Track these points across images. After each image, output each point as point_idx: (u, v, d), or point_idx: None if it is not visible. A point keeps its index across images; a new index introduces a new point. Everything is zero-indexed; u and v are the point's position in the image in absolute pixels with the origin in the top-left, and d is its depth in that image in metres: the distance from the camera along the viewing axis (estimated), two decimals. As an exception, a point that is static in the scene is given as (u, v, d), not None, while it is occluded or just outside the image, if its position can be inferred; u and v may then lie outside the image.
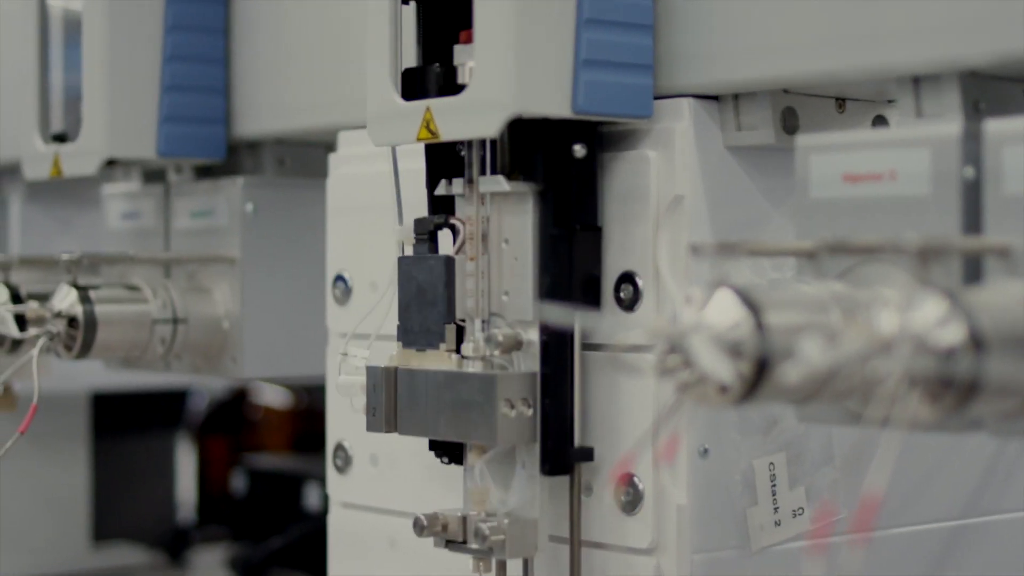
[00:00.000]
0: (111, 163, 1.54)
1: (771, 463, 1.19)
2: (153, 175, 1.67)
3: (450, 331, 1.17)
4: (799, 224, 1.02)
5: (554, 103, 1.10)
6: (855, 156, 1.00)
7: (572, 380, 1.15)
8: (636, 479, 1.15)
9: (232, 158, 1.59)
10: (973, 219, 0.95)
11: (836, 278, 0.97)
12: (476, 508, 1.16)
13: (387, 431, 1.19)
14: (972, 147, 0.95)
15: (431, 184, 1.20)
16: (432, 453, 1.22)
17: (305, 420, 2.60)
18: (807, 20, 1.09)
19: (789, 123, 1.16)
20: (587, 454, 1.16)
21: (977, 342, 0.82)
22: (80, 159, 1.54)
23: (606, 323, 1.10)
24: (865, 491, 0.80)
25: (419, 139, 1.14)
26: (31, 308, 1.49)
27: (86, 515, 2.13)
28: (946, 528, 1.32)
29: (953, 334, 0.82)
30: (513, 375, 1.14)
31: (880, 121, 1.21)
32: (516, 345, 1.15)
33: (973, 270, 0.93)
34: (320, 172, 1.48)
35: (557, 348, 1.15)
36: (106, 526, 2.15)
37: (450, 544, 1.18)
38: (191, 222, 1.60)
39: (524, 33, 1.09)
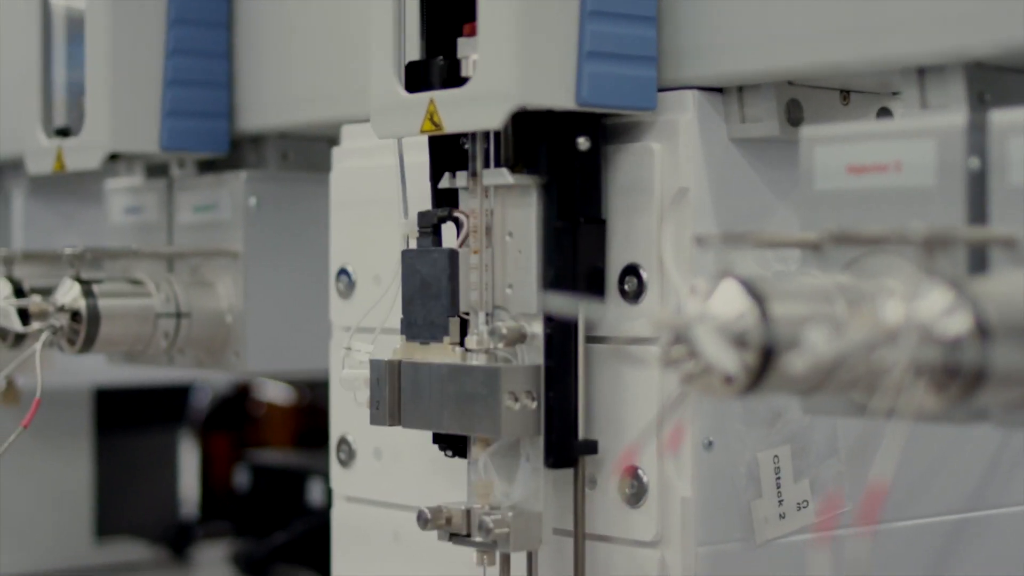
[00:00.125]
0: (114, 157, 1.54)
1: (776, 455, 1.18)
2: (156, 169, 1.67)
3: (454, 324, 1.17)
4: (804, 216, 1.02)
5: (558, 95, 1.10)
6: (860, 147, 0.99)
7: (576, 373, 1.15)
8: (640, 472, 1.15)
9: (235, 152, 1.59)
10: (978, 210, 0.94)
11: (841, 270, 0.97)
12: (480, 501, 1.16)
13: (391, 424, 1.19)
14: (977, 138, 0.95)
15: (435, 177, 1.20)
16: (436, 447, 1.22)
17: (308, 416, 2.60)
18: (811, 11, 1.08)
19: (793, 115, 1.15)
20: (591, 447, 1.16)
21: (983, 331, 0.81)
22: (83, 153, 1.54)
23: (610, 314, 1.09)
24: (871, 482, 0.80)
25: (423, 131, 1.14)
26: (34, 302, 1.48)
27: (89, 511, 2.13)
28: (950, 521, 1.32)
29: (959, 323, 0.82)
30: (517, 368, 1.13)
31: (884, 113, 1.21)
32: (520, 338, 1.15)
33: (978, 261, 0.93)
34: (323, 166, 1.48)
35: (561, 341, 1.14)
36: (109, 522, 2.15)
37: (454, 537, 1.18)
38: (194, 216, 1.60)
39: (528, 25, 1.09)
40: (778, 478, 1.19)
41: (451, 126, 1.13)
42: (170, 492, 2.25)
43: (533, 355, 1.15)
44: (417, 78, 1.17)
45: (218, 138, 1.55)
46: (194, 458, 2.45)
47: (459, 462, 1.22)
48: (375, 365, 1.20)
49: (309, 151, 1.60)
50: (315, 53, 1.48)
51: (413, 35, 1.19)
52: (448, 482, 1.26)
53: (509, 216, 1.16)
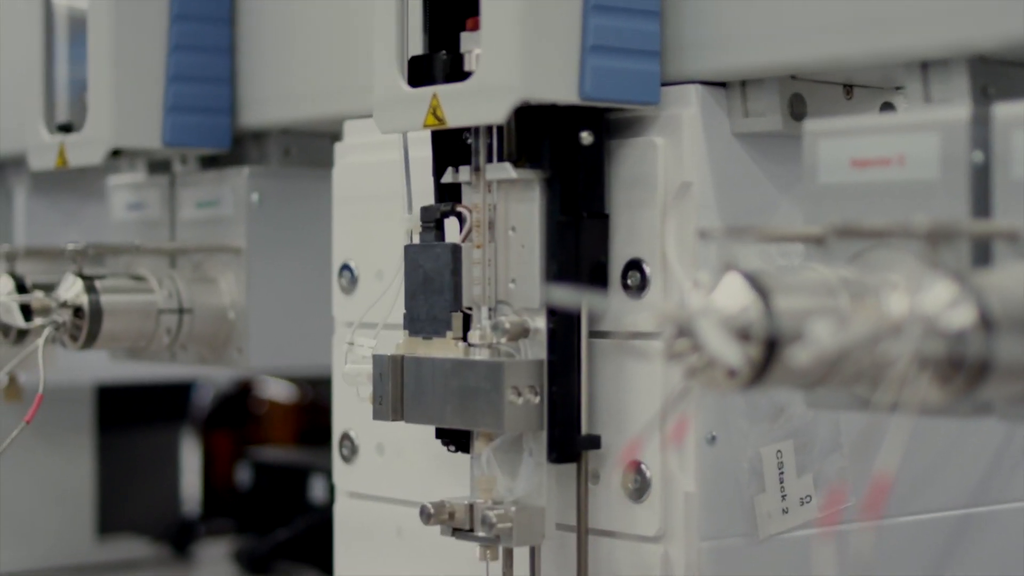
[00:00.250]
0: (116, 153, 1.54)
1: (779, 451, 1.18)
2: (158, 166, 1.67)
3: (457, 319, 1.17)
4: (807, 210, 1.02)
5: (561, 89, 1.10)
6: (864, 141, 0.99)
7: (579, 367, 1.15)
8: (644, 466, 1.15)
9: (237, 148, 1.59)
10: (982, 203, 0.94)
11: (845, 264, 0.96)
12: (483, 496, 1.16)
13: (393, 419, 1.19)
14: (981, 131, 0.95)
15: (438, 172, 1.20)
16: (438, 442, 1.22)
17: (310, 414, 2.60)
18: (814, 6, 1.08)
19: (797, 110, 1.15)
20: (594, 442, 1.16)
21: (987, 324, 0.81)
22: (85, 149, 1.54)
23: (613, 307, 1.09)
24: (875, 474, 0.80)
25: (426, 126, 1.14)
26: (36, 298, 1.48)
27: (91, 508, 2.13)
28: (954, 517, 1.32)
29: (963, 316, 0.82)
30: (520, 362, 1.13)
31: (888, 108, 1.21)
32: (523, 332, 1.15)
33: (982, 254, 0.93)
34: (325, 162, 1.48)
35: (564, 335, 1.14)
36: (111, 519, 2.15)
37: (457, 532, 1.18)
38: (196, 212, 1.60)
39: (531, 19, 1.09)
40: (781, 473, 1.19)
41: (454, 120, 1.13)
42: (172, 489, 2.25)
43: (536, 350, 1.15)
44: (420, 73, 1.17)
45: (220, 134, 1.55)
46: (196, 456, 2.45)
47: (462, 457, 1.22)
48: (378, 360, 1.20)
49: (311, 147, 1.60)
50: (317, 49, 1.48)
51: (416, 30, 1.19)
52: (451, 477, 1.26)
53: (512, 210, 1.16)
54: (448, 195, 1.20)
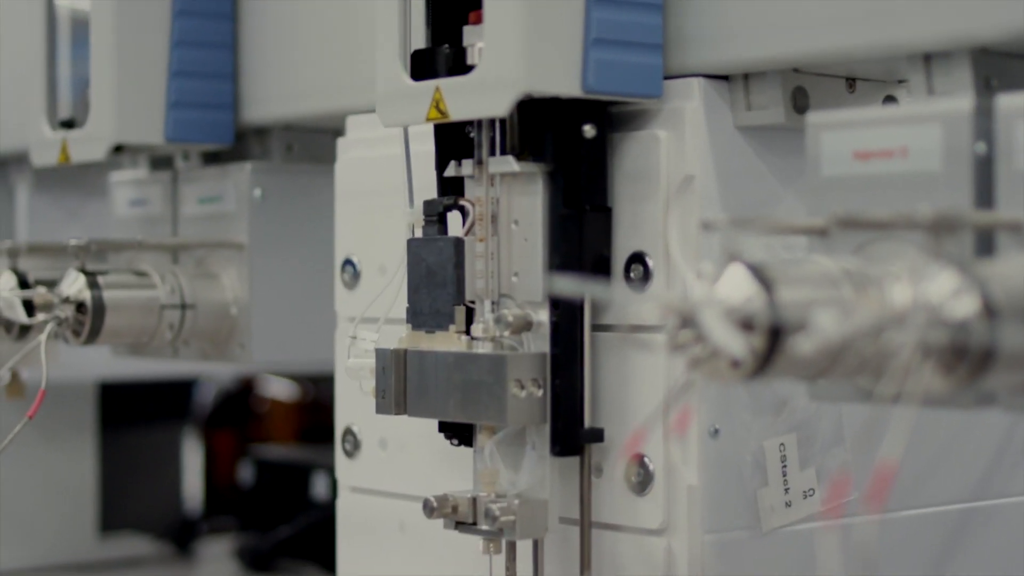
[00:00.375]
0: (119, 149, 1.54)
1: (782, 444, 1.18)
2: (160, 162, 1.67)
3: (460, 312, 1.17)
4: (810, 202, 1.02)
5: (564, 82, 1.10)
6: (866, 133, 0.99)
7: (582, 361, 1.15)
8: (647, 459, 1.15)
9: (239, 144, 1.59)
10: (985, 195, 0.94)
11: (848, 256, 0.96)
12: (486, 489, 1.16)
13: (396, 413, 1.19)
14: (984, 123, 0.95)
15: (440, 165, 1.20)
16: (441, 436, 1.22)
17: (311, 412, 2.60)
18: (817, -2, 1.08)
19: (799, 103, 1.15)
20: (597, 435, 1.16)
21: (990, 313, 0.81)
22: (88, 145, 1.54)
23: (617, 298, 1.09)
24: (879, 463, 0.80)
25: (429, 119, 1.14)
26: (39, 293, 1.48)
27: (93, 505, 2.13)
28: (956, 511, 1.32)
29: (967, 305, 0.82)
30: (523, 355, 1.13)
31: (890, 101, 1.21)
32: (526, 326, 1.15)
33: (985, 245, 0.93)
34: (327, 158, 1.48)
35: (567, 328, 1.14)
36: (113, 516, 2.15)
37: (460, 526, 1.18)
38: (199, 208, 1.60)
39: (534, 12, 1.09)
40: (784, 466, 1.19)
41: (457, 114, 1.13)
42: (174, 487, 2.25)
43: (539, 343, 1.15)
44: (423, 66, 1.17)
45: (223, 129, 1.55)
46: (198, 454, 2.45)
47: (465, 452, 1.22)
48: (381, 354, 1.20)
49: (313, 143, 1.60)
50: (319, 44, 1.48)
51: (419, 24, 1.19)
52: (453, 472, 1.26)
53: (515, 204, 1.16)
54: (451, 189, 1.20)
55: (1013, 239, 0.91)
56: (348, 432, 1.41)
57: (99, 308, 1.48)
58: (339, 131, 1.45)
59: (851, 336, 0.84)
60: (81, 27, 1.57)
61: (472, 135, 1.17)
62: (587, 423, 1.16)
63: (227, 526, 2.30)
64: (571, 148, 1.14)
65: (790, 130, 1.15)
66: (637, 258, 1.15)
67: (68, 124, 1.58)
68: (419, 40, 1.18)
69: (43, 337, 1.44)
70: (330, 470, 2.03)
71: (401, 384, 1.19)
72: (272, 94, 1.54)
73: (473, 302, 1.18)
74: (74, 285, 1.48)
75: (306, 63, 1.50)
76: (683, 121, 1.15)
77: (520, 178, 1.16)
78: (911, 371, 0.82)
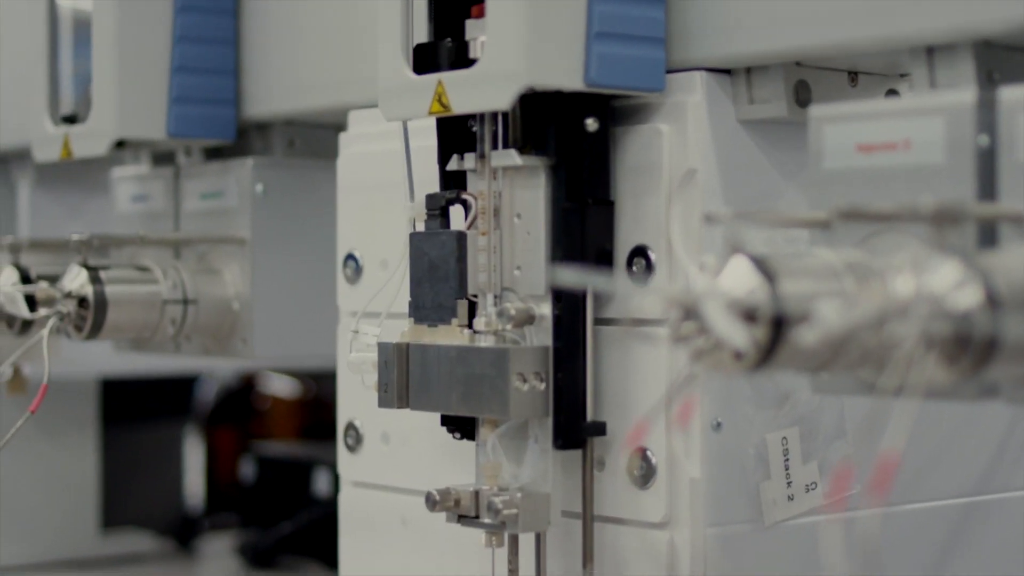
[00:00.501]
0: (120, 145, 1.54)
1: (784, 437, 1.18)
2: (162, 158, 1.67)
3: (462, 306, 1.17)
4: (813, 195, 1.02)
5: (566, 76, 1.10)
6: (869, 126, 0.99)
7: (585, 354, 1.15)
8: (649, 453, 1.15)
9: (241, 140, 1.59)
10: (988, 187, 0.94)
11: (850, 249, 0.96)
12: (488, 483, 1.16)
13: (399, 407, 1.19)
14: (986, 115, 0.95)
15: (443, 159, 1.20)
16: (444, 431, 1.22)
17: (313, 410, 2.60)
18: (819, -9, 1.08)
19: (802, 96, 1.15)
20: (600, 428, 1.16)
21: (994, 303, 0.81)
22: (90, 140, 1.54)
23: (620, 287, 1.09)
24: (883, 453, 0.80)
25: (431, 113, 1.14)
26: (41, 288, 1.48)
27: (95, 502, 2.13)
28: (958, 505, 1.32)
29: (970, 296, 0.82)
30: (525, 349, 1.13)
31: (893, 95, 1.21)
32: (528, 319, 1.15)
33: (988, 237, 0.93)
34: (329, 153, 1.48)
35: (570, 322, 1.14)
36: (115, 513, 2.15)
37: (463, 519, 1.18)
38: (201, 204, 1.60)
39: (536, 5, 1.09)
40: (787, 460, 1.19)
41: (459, 107, 1.13)
42: (175, 484, 2.25)
43: (542, 336, 1.15)
44: (425, 60, 1.17)
45: (224, 125, 1.56)
46: (199, 452, 2.45)
47: (467, 446, 1.22)
48: (383, 348, 1.20)
49: (315, 138, 1.60)
50: (321, 40, 1.49)
51: (421, 17, 1.19)
52: (456, 466, 1.26)
53: (517, 197, 1.16)
54: (453, 183, 1.20)
55: (1016, 231, 0.91)
56: (350, 427, 1.41)
57: (101, 303, 1.48)
58: (341, 126, 1.45)
59: (854, 327, 0.84)
60: (83, 23, 1.57)
61: (474, 129, 1.18)
62: (589, 417, 1.16)
63: (229, 523, 2.30)
64: (573, 142, 1.14)
65: (792, 124, 1.15)
66: (639, 252, 1.15)
67: (70, 120, 1.58)
68: (421, 34, 1.18)
69: (45, 332, 1.44)
70: (331, 467, 2.04)
71: (403, 378, 1.19)
72: (274, 90, 1.54)
73: (475, 296, 1.18)
74: (76, 280, 1.48)
75: (308, 58, 1.50)
76: (685, 115, 1.15)
77: (522, 172, 1.16)
78: (914, 362, 0.82)
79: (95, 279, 1.48)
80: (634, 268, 1.16)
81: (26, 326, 1.53)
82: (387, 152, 1.32)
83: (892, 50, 1.08)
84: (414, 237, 1.20)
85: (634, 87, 1.13)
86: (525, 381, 1.12)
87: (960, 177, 0.95)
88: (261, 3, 1.55)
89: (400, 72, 1.17)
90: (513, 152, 1.14)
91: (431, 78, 1.14)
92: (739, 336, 0.86)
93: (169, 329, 1.54)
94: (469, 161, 1.18)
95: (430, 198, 1.19)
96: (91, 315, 1.48)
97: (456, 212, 1.19)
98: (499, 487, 1.16)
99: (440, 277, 1.17)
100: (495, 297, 1.17)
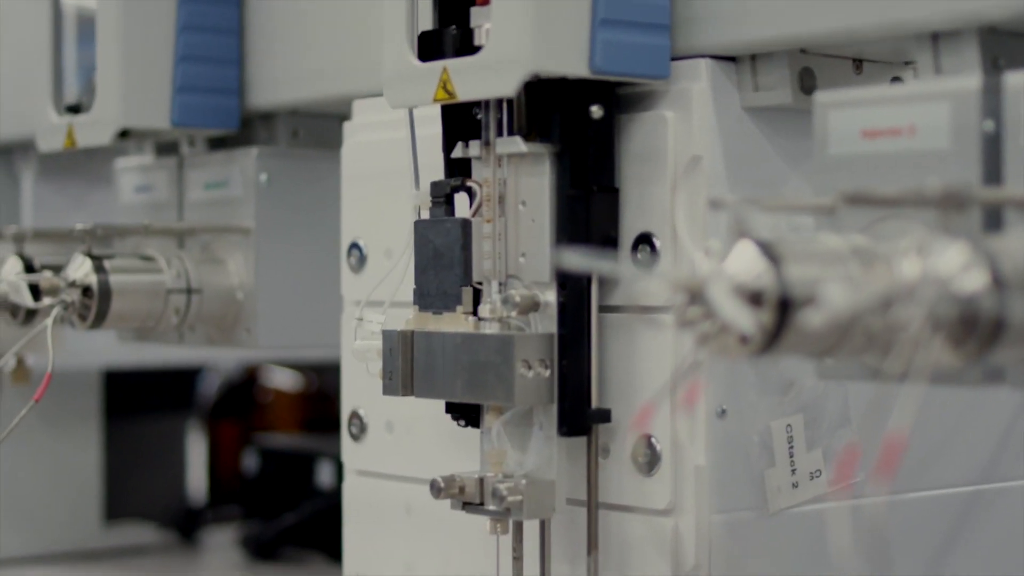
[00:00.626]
0: (124, 134, 1.54)
1: (788, 425, 1.19)
2: (166, 148, 1.67)
3: (467, 293, 1.17)
4: (818, 181, 1.02)
5: (571, 62, 1.10)
6: (874, 111, 0.99)
7: (589, 341, 1.15)
8: (654, 440, 1.15)
9: (245, 129, 1.59)
10: (993, 172, 0.94)
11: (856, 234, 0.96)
12: (493, 470, 1.16)
13: (404, 395, 1.19)
14: (992, 100, 0.95)
15: (447, 147, 1.20)
16: (448, 419, 1.22)
17: (315, 403, 2.60)
18: (824, -22, 1.08)
19: (806, 84, 1.15)
20: (604, 415, 1.16)
21: (1000, 285, 0.81)
22: (94, 129, 1.54)
23: (625, 271, 1.09)
24: (889, 434, 0.80)
25: (436, 100, 1.14)
26: (45, 277, 1.49)
27: (98, 494, 2.13)
28: (962, 494, 1.32)
29: (976, 279, 0.82)
30: (530, 336, 1.13)
31: (897, 82, 1.21)
32: (533, 306, 1.15)
33: (993, 222, 0.93)
34: (333, 143, 1.48)
35: (575, 309, 1.14)
36: (118, 505, 2.15)
37: (467, 506, 1.18)
38: (205, 193, 1.60)
39: (541, -8, 1.09)
40: (791, 447, 1.19)
41: (464, 94, 1.13)
42: (178, 477, 2.25)
43: (546, 323, 1.15)
44: (430, 48, 1.17)
45: (229, 114, 1.56)
46: (202, 447, 2.45)
47: (471, 434, 1.22)
48: (388, 335, 1.20)
49: (319, 128, 1.60)
50: (325, 29, 1.49)
51: (426, 5, 1.19)
52: (460, 454, 1.26)
53: (522, 185, 1.16)
54: (458, 170, 1.20)
55: (1021, 216, 0.91)
56: (354, 415, 1.41)
57: (105, 292, 1.48)
58: (344, 116, 1.45)
59: (860, 309, 0.85)
60: (87, 13, 1.57)
61: (479, 116, 1.18)
62: (594, 404, 1.16)
63: (231, 515, 2.30)
64: (578, 129, 1.14)
65: (797, 111, 1.15)
66: (644, 239, 1.15)
67: (74, 109, 1.58)
68: (426, 21, 1.18)
69: (49, 321, 1.44)
70: (334, 458, 2.04)
71: (408, 365, 1.19)
72: (278, 79, 1.54)
73: (480, 283, 1.18)
74: (80, 269, 1.49)
75: (312, 48, 1.50)
76: (690, 102, 1.15)
77: (527, 159, 1.16)
78: (920, 345, 0.82)
79: (99, 268, 1.49)
80: (639, 255, 1.16)
81: (30, 316, 1.53)
82: (391, 141, 1.32)
83: (897, 36, 1.08)
84: (419, 225, 1.20)
85: (639, 74, 1.13)
86: (530, 368, 1.12)
87: (965, 162, 0.95)
88: (265, -7, 1.56)
89: (405, 59, 1.17)
90: (518, 139, 1.15)
91: (436, 65, 1.14)
92: (745, 320, 0.86)
93: (173, 319, 1.54)
94: (474, 148, 1.18)
95: (435, 186, 1.19)
96: (95, 304, 1.48)
97: (461, 199, 1.19)
98: (504, 474, 1.16)
99: (445, 264, 1.17)
100: (500, 284, 1.17)
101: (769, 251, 0.88)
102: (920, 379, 0.83)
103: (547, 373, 1.13)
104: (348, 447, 1.42)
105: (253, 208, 1.55)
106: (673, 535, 1.15)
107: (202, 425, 2.47)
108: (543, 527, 1.19)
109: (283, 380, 2.62)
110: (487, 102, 1.16)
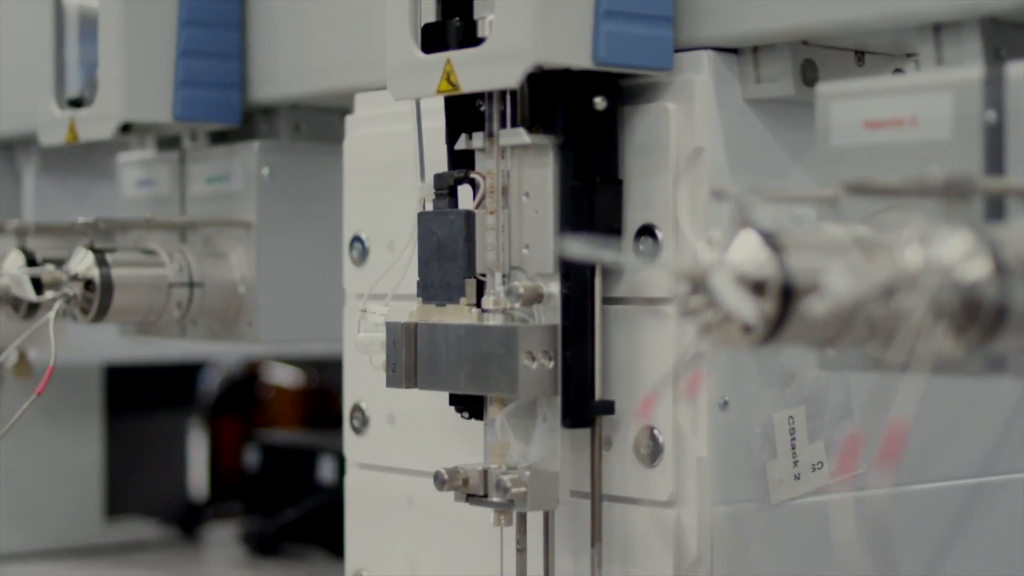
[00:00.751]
0: (126, 129, 1.54)
1: (791, 416, 1.19)
2: (167, 142, 1.67)
3: (470, 285, 1.17)
4: (820, 172, 1.02)
5: (575, 54, 1.10)
6: (876, 102, 0.99)
7: (593, 333, 1.15)
8: (656, 431, 1.15)
9: (247, 124, 1.59)
10: (995, 162, 0.95)
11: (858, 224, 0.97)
12: (497, 461, 1.16)
13: (407, 387, 1.19)
14: (994, 91, 0.95)
15: (451, 139, 1.20)
16: (450, 412, 1.22)
17: (316, 399, 2.60)
18: (826, -30, 1.09)
19: (808, 75, 1.16)
20: (608, 407, 1.16)
21: (1003, 274, 0.82)
22: (96, 123, 1.54)
23: (627, 260, 1.09)
24: (892, 420, 0.80)
25: (439, 91, 1.14)
26: (47, 271, 1.49)
27: (99, 489, 2.13)
28: (964, 486, 1.32)
29: (979, 267, 0.82)
30: (534, 327, 1.14)
31: (899, 74, 1.21)
32: (537, 298, 1.15)
33: (995, 212, 0.93)
34: (334, 137, 1.48)
35: (578, 300, 1.15)
36: (119, 501, 2.15)
37: (471, 498, 1.18)
38: (206, 187, 1.60)
39: (545, -16, 1.09)
40: (793, 439, 1.19)
41: (468, 86, 1.13)
42: (179, 474, 2.25)
43: (550, 315, 1.15)
44: (433, 39, 1.17)
45: (230, 109, 1.56)
46: (203, 443, 2.45)
47: (473, 427, 1.22)
48: (391, 327, 1.20)
49: (321, 123, 1.60)
50: (326, 23, 1.49)
51: (429, -1, 1.19)
52: (462, 447, 1.26)
53: (526, 176, 1.16)
54: (461, 162, 1.20)
55: (1023, 206, 0.92)
56: (356, 408, 1.41)
57: (107, 285, 1.49)
58: (346, 111, 1.45)
59: (863, 297, 0.85)
60: (89, 6, 1.57)
61: (482, 108, 1.18)
62: (598, 395, 1.16)
63: (233, 511, 2.30)
64: (582, 120, 1.14)
65: (799, 103, 1.15)
66: (647, 230, 1.16)
67: (76, 103, 1.58)
68: (430, 13, 1.18)
69: (51, 314, 1.44)
70: (335, 454, 2.04)
71: (412, 357, 1.19)
72: (280, 73, 1.55)
73: (483, 275, 1.18)
74: (83, 263, 1.49)
75: (313, 42, 1.50)
76: (692, 94, 1.15)
77: (531, 150, 1.16)
78: (923, 333, 0.82)
79: (101, 262, 1.49)
80: (641, 247, 1.16)
81: (32, 310, 1.53)
82: (393, 134, 1.33)
83: (899, 28, 1.08)
84: (422, 217, 1.20)
85: (642, 66, 1.14)
86: (534, 360, 1.12)
87: (967, 153, 0.95)
88: (267, -13, 1.56)
89: (409, 51, 1.18)
90: (521, 131, 1.15)
91: (439, 57, 1.15)
92: (748, 309, 0.87)
93: (175, 312, 1.54)
94: (477, 140, 1.19)
95: (438, 178, 1.19)
96: (97, 298, 1.48)
97: (464, 191, 1.19)
98: (507, 466, 1.16)
99: (448, 256, 1.17)
100: (503, 276, 1.17)
101: (772, 240, 0.88)
102: (922, 367, 0.83)
103: (551, 365, 1.13)
104: (350, 440, 1.42)
105: (255, 202, 1.55)
106: (675, 526, 1.15)
107: (203, 422, 2.47)
108: (547, 519, 1.19)
109: (284, 376, 2.63)
110: (490, 94, 1.16)
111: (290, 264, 1.57)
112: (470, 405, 1.20)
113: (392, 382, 1.20)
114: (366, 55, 1.42)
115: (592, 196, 1.15)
